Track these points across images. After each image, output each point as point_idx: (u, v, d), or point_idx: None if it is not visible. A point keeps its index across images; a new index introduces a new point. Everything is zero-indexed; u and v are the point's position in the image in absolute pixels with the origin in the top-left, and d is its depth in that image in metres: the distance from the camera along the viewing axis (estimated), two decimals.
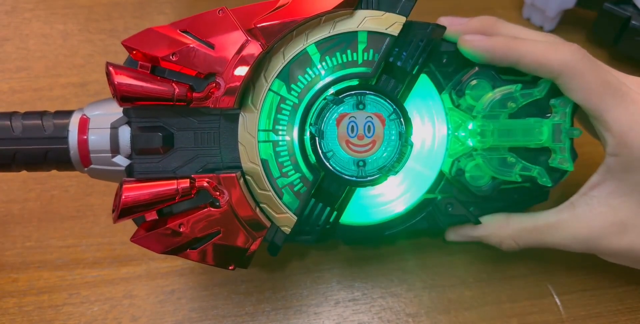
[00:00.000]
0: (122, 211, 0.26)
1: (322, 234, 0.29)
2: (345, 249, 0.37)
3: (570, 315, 0.35)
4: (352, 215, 0.31)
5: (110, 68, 0.25)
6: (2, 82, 0.43)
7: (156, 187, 0.26)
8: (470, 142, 0.30)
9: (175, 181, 0.26)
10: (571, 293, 0.35)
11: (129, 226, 0.37)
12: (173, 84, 0.26)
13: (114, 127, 0.28)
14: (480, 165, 0.30)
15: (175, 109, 0.27)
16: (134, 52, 0.26)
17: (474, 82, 0.30)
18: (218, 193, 0.27)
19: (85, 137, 0.28)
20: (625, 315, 0.35)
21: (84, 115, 0.28)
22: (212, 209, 0.27)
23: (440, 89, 0.30)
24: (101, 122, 0.28)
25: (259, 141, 0.28)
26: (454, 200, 0.31)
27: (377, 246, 0.36)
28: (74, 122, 0.28)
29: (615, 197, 0.30)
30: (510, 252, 0.32)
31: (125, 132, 0.28)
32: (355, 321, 0.34)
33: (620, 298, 0.35)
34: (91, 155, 0.28)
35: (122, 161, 0.28)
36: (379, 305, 0.35)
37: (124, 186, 0.26)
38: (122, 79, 0.25)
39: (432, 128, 0.31)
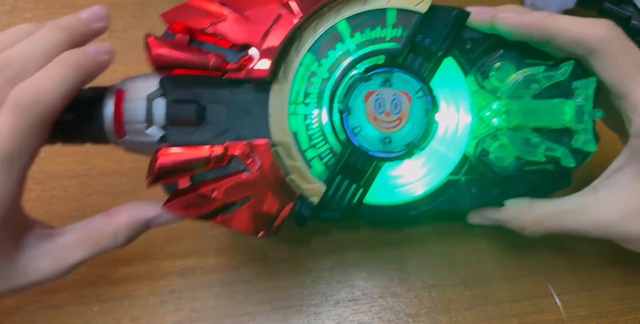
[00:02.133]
0: (157, 175, 0.27)
1: (347, 212, 0.29)
2: (345, 249, 0.37)
3: (570, 315, 0.35)
4: (376, 195, 0.31)
5: (150, 39, 0.26)
6: None
7: (191, 152, 0.27)
8: (495, 121, 0.30)
9: (209, 147, 0.27)
10: (571, 293, 0.35)
11: None
12: (209, 54, 0.27)
13: (150, 99, 0.28)
14: (504, 145, 0.30)
15: (209, 81, 0.28)
16: (172, 25, 0.27)
17: (497, 64, 0.30)
18: (250, 161, 0.27)
19: (121, 107, 0.28)
20: (625, 315, 0.35)
21: (121, 88, 0.29)
22: (244, 175, 0.27)
23: (465, 72, 0.31)
24: (137, 95, 0.28)
25: (289, 113, 0.28)
26: (477, 182, 0.31)
27: (400, 227, 0.36)
28: (109, 94, 0.29)
29: (638, 181, 0.29)
30: (532, 238, 0.32)
31: (160, 104, 0.28)
32: (355, 321, 0.34)
33: (620, 298, 0.35)
34: (125, 125, 0.28)
35: (156, 131, 0.28)
36: (379, 305, 0.35)
37: (160, 151, 0.27)
38: (161, 47, 0.26)
39: (456, 111, 0.31)
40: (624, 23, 0.42)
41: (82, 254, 0.29)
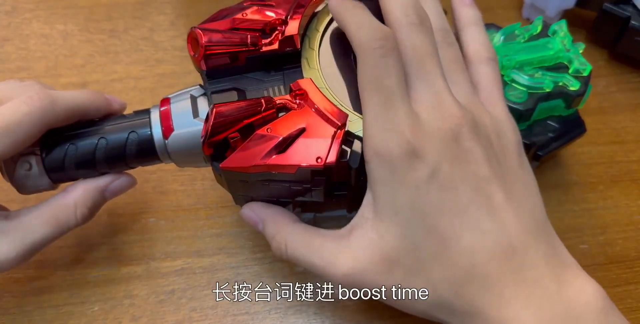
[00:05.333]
0: (213, 126, 0.27)
1: None
2: None
3: None
4: None
5: (196, 30, 0.29)
6: None
7: (243, 102, 0.28)
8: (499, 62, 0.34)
9: (259, 98, 0.29)
10: None
11: (129, 225, 0.38)
12: (246, 33, 0.29)
13: (193, 96, 0.30)
14: (515, 85, 0.34)
15: (246, 67, 0.30)
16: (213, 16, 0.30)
17: None
18: (297, 104, 0.29)
19: (168, 108, 0.30)
20: (625, 315, 0.35)
21: (166, 97, 0.31)
22: (294, 110, 0.28)
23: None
24: (181, 97, 0.30)
25: (322, 73, 0.30)
26: None
27: None
28: (155, 106, 0.30)
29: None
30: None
31: (203, 101, 0.30)
32: (354, 321, 0.34)
33: (620, 297, 0.35)
34: (173, 120, 0.29)
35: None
36: (379, 303, 0.35)
37: (215, 106, 0.28)
38: (206, 35, 0.29)
39: None
40: (623, 23, 0.42)
41: (42, 231, 0.29)
